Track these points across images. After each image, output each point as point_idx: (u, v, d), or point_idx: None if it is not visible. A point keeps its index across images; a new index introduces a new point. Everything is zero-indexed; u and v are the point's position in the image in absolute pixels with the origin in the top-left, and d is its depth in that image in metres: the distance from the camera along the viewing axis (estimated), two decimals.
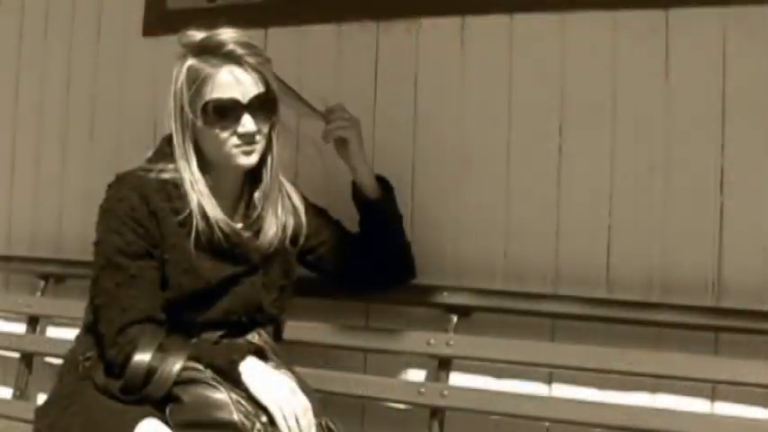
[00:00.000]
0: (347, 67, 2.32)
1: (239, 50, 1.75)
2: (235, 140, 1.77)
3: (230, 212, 1.85)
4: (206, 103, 1.75)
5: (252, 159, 1.80)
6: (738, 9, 1.90)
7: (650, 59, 1.98)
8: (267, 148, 1.83)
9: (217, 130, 1.76)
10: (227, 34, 1.77)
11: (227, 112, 1.76)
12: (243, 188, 1.87)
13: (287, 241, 1.91)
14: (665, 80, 1.97)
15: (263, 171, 1.84)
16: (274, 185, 1.86)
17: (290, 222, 1.91)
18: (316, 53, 2.35)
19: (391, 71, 2.26)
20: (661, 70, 1.97)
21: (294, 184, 1.99)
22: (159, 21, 2.57)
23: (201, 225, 1.77)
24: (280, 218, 1.88)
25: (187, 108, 1.77)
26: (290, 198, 1.93)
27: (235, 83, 1.76)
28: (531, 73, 2.10)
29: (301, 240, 1.95)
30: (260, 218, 1.85)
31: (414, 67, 2.23)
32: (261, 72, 1.78)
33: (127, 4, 2.66)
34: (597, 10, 2.03)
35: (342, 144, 2.02)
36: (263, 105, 1.78)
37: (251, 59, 1.76)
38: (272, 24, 2.41)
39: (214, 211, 1.78)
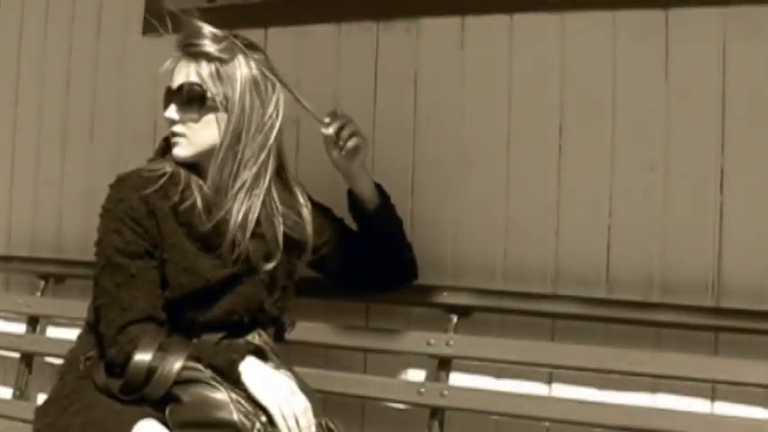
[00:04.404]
0: (347, 67, 2.32)
1: (186, 41, 1.79)
2: (169, 127, 1.82)
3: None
4: None
5: (177, 151, 1.81)
6: (738, 9, 1.90)
7: (650, 59, 1.98)
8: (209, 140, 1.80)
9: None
10: (190, 27, 1.80)
11: (164, 100, 1.82)
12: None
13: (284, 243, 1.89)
14: (665, 80, 1.97)
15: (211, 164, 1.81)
16: (222, 180, 1.79)
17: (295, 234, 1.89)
18: (316, 53, 2.35)
19: (391, 71, 2.26)
20: (661, 70, 1.97)
21: (302, 185, 1.96)
22: (159, 21, 2.56)
23: (189, 214, 1.78)
24: (275, 225, 1.85)
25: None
26: (299, 211, 1.90)
27: (177, 72, 1.80)
28: (531, 73, 2.10)
29: (308, 250, 1.94)
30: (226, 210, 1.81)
31: (414, 67, 2.23)
32: (197, 63, 1.78)
33: (127, 3, 2.66)
34: (597, 10, 2.03)
35: (353, 152, 1.94)
36: (188, 95, 1.79)
37: (191, 49, 1.78)
38: (272, 24, 2.41)
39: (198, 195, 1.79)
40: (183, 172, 1.80)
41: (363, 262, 2.02)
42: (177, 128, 1.80)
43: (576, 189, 2.05)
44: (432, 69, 2.22)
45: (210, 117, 1.79)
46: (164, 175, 1.79)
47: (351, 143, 1.94)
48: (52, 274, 2.64)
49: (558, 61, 2.07)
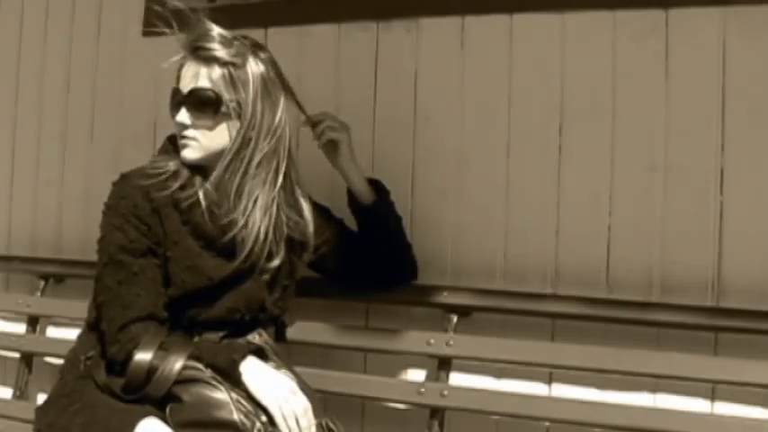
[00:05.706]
0: (347, 67, 2.32)
1: (197, 43, 1.78)
2: (180, 131, 1.81)
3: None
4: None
5: (186, 153, 1.80)
6: (738, 9, 1.90)
7: (650, 59, 1.98)
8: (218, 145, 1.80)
9: (173, 120, 1.81)
10: (199, 28, 1.79)
11: (172, 101, 1.81)
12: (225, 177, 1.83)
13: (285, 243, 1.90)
14: (665, 80, 1.97)
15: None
16: (226, 181, 1.80)
17: (296, 235, 1.90)
18: (316, 53, 2.35)
19: (391, 71, 2.26)
20: (661, 70, 1.97)
21: (303, 184, 1.95)
22: (160, 20, 2.56)
23: (190, 213, 1.78)
24: (277, 225, 1.85)
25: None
26: (300, 211, 1.91)
27: (187, 74, 1.79)
28: (531, 73, 2.10)
29: (310, 250, 1.95)
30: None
31: (414, 67, 2.23)
32: (209, 67, 1.77)
33: (127, 4, 2.66)
34: (597, 10, 2.03)
35: (333, 148, 2.00)
36: (201, 100, 1.78)
37: (202, 53, 1.77)
38: (272, 24, 2.41)
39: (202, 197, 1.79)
40: (186, 171, 1.81)
41: (363, 261, 2.02)
42: (189, 132, 1.80)
43: (576, 189, 2.05)
44: (432, 69, 2.22)
45: (224, 123, 1.79)
46: (167, 172, 1.79)
47: (325, 137, 1.98)
48: (52, 274, 2.63)
49: (558, 61, 2.07)
